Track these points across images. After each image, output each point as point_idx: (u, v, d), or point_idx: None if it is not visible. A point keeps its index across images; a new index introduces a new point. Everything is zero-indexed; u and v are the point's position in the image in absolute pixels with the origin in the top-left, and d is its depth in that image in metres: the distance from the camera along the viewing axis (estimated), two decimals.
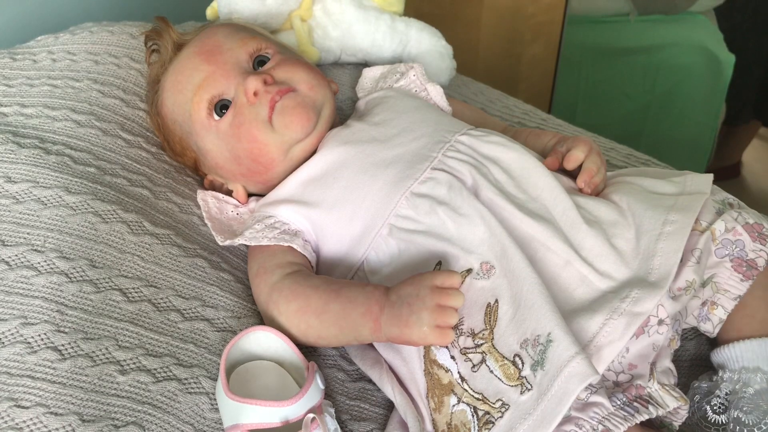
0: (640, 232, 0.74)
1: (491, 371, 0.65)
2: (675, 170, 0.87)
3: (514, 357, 0.64)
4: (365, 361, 0.76)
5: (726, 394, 0.72)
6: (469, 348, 0.67)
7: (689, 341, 0.81)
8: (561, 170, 0.82)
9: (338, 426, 0.69)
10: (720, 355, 0.75)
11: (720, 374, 0.74)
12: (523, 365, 0.63)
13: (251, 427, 0.65)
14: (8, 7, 1.21)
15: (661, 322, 0.69)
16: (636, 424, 0.62)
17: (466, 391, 0.65)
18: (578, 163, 0.81)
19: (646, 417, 0.62)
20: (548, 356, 0.61)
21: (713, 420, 0.71)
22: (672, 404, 0.64)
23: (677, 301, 0.71)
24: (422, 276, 0.67)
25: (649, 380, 0.65)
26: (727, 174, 2.28)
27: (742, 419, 0.69)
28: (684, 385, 0.76)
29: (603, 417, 0.61)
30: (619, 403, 0.63)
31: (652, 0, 1.88)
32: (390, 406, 0.75)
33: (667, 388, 0.65)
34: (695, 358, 0.81)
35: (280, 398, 0.65)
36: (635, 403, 0.63)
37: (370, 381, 0.77)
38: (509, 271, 0.68)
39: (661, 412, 0.63)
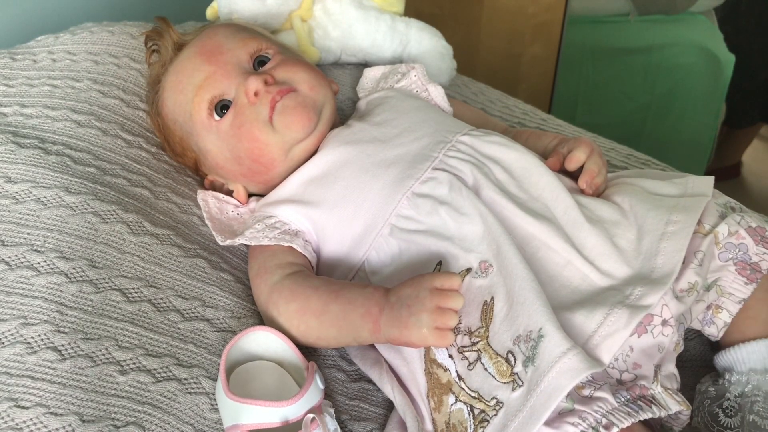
0: (643, 233, 0.74)
1: (485, 369, 0.64)
2: (676, 172, 0.87)
3: (507, 354, 0.64)
4: (365, 360, 0.76)
5: (735, 396, 0.72)
6: (465, 346, 0.66)
7: (689, 341, 0.81)
8: (562, 171, 0.82)
9: (338, 426, 0.69)
10: (725, 358, 0.75)
11: (727, 377, 0.74)
12: (515, 362, 0.63)
13: (251, 427, 0.65)
14: (8, 7, 1.21)
15: (665, 322, 0.68)
16: (638, 422, 0.62)
17: (463, 389, 0.65)
18: (580, 164, 0.81)
19: (649, 416, 0.62)
20: (539, 352, 0.61)
21: (726, 423, 0.70)
22: (674, 408, 0.64)
23: (681, 302, 0.71)
24: (422, 277, 0.67)
25: (653, 382, 0.65)
26: (728, 174, 2.28)
27: (759, 423, 0.69)
28: (685, 386, 0.75)
29: (607, 411, 0.61)
30: (623, 399, 0.63)
31: (652, 0, 1.88)
32: (390, 406, 0.75)
33: (670, 392, 0.65)
34: (695, 360, 0.81)
35: (280, 398, 0.66)
36: (639, 402, 0.63)
37: (369, 381, 0.77)
38: (504, 268, 0.68)
39: (663, 413, 0.63)
